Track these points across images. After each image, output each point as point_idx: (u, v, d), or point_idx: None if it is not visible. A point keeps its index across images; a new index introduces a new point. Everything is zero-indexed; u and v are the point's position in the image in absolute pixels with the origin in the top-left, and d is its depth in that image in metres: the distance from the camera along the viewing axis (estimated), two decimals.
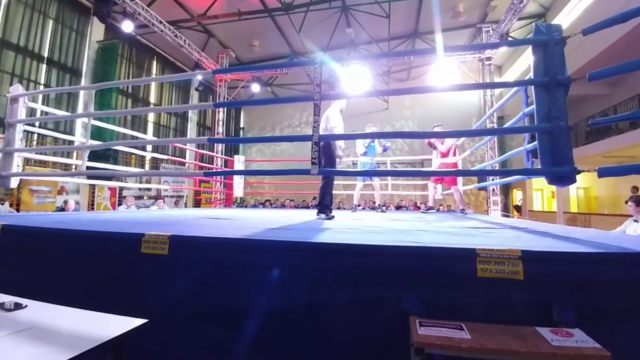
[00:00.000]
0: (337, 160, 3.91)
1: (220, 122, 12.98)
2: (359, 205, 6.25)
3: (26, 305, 1.27)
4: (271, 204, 12.65)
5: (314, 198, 13.54)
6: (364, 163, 5.81)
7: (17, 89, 3.58)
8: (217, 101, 12.47)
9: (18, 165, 3.52)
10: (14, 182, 3.55)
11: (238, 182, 8.29)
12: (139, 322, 1.15)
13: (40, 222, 2.49)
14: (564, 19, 10.31)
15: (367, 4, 9.92)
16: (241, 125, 17.49)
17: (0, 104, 7.13)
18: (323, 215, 3.68)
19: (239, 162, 7.93)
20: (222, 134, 12.94)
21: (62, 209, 6.78)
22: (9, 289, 1.40)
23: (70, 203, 6.62)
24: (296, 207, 10.89)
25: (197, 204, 13.43)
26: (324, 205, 3.78)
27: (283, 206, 11.27)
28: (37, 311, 1.25)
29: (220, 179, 11.04)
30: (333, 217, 3.70)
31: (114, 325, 1.12)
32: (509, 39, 9.75)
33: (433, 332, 1.19)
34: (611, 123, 8.49)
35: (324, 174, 3.24)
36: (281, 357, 1.51)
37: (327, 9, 10.09)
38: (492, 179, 5.27)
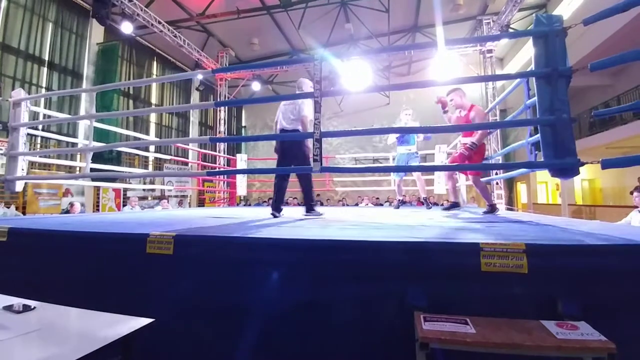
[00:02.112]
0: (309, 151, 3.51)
1: (222, 121, 12.98)
2: (402, 201, 5.55)
3: (34, 307, 1.29)
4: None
5: (318, 195, 13.58)
6: (399, 154, 5.17)
7: (19, 93, 3.59)
8: (218, 100, 12.47)
9: (23, 169, 3.54)
10: (19, 186, 3.57)
11: (241, 180, 8.30)
12: (145, 321, 1.16)
13: (46, 224, 2.52)
14: (565, 9, 10.20)
15: None
16: (243, 124, 17.50)
17: (4, 108, 7.17)
18: (314, 213, 3.56)
19: (241, 161, 7.94)
20: (224, 133, 12.94)
21: (67, 212, 6.83)
22: (17, 291, 1.42)
23: (76, 206, 6.66)
24: (299, 204, 10.88)
25: (201, 203, 13.48)
26: (312, 202, 3.66)
27: (286, 204, 11.28)
28: (45, 312, 1.26)
29: (224, 178, 11.06)
30: (322, 214, 3.56)
31: (121, 324, 1.14)
32: (510, 30, 9.67)
33: (438, 327, 1.20)
34: (615, 114, 8.42)
35: (325, 171, 3.12)
36: (287, 353, 1.52)
37: (325, 5, 10.04)
38: (496, 173, 5.18)
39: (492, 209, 3.80)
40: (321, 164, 2.38)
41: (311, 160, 3.33)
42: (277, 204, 3.65)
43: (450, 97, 3.86)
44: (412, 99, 15.13)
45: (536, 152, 2.62)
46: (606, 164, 1.87)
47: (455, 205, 3.97)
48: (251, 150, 15.89)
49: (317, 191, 12.49)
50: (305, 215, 3.58)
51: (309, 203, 3.67)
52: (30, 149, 5.76)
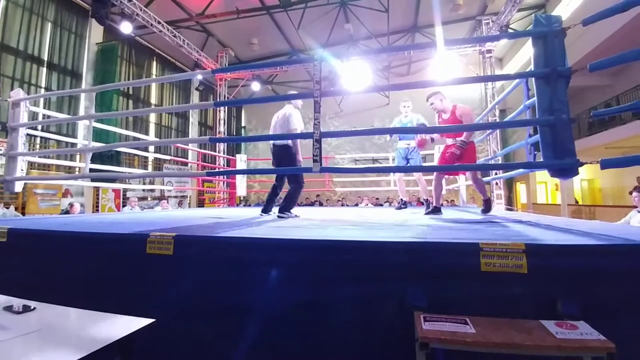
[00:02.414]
0: (299, 164, 3.71)
1: (222, 122, 12.98)
2: (405, 202, 5.13)
3: (34, 308, 1.29)
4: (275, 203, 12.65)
5: (318, 195, 13.58)
6: (398, 150, 5.02)
7: (18, 93, 3.58)
8: (218, 100, 12.47)
9: (22, 169, 3.53)
10: (18, 186, 3.56)
11: (241, 181, 8.30)
12: (146, 321, 1.16)
13: (46, 224, 2.51)
14: (564, 10, 10.22)
15: None
16: (242, 124, 17.50)
17: (2, 109, 7.16)
18: (289, 214, 3.62)
19: (241, 161, 7.93)
20: (224, 133, 12.94)
21: (67, 212, 6.82)
22: (17, 291, 1.42)
23: (76, 206, 6.64)
24: (299, 205, 10.88)
25: (200, 203, 13.47)
26: (289, 207, 3.70)
27: None
28: (45, 313, 1.26)
29: (223, 178, 11.05)
30: (297, 216, 3.65)
31: (121, 325, 1.14)
32: (509, 30, 9.68)
33: (437, 327, 1.20)
34: (614, 114, 8.43)
35: (324, 171, 3.10)
36: (287, 353, 1.52)
37: (325, 5, 10.04)
38: (495, 173, 5.18)
39: (487, 204, 3.78)
40: (321, 164, 2.38)
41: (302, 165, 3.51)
42: (268, 204, 3.94)
43: (430, 100, 3.77)
44: (411, 99, 15.15)
45: (535, 152, 2.62)
46: (605, 164, 1.87)
47: (437, 210, 3.72)
48: (252, 151, 15.90)
49: (316, 191, 12.47)
50: (278, 214, 3.64)
51: (286, 205, 3.70)
52: (29, 150, 5.76)
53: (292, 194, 3.77)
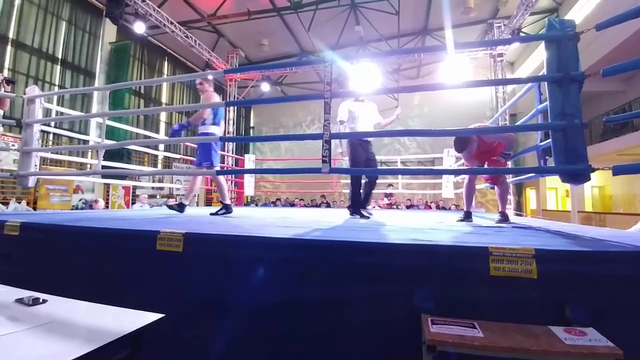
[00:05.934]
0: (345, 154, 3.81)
1: (231, 122, 13.06)
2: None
3: (45, 300, 1.30)
4: (282, 203, 12.71)
5: (322, 196, 13.57)
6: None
7: (33, 90, 3.65)
8: (228, 100, 12.54)
9: (35, 165, 3.60)
10: (31, 182, 3.63)
11: (249, 181, 8.34)
12: (155, 316, 1.17)
13: (58, 219, 2.55)
14: (577, 14, 10.10)
15: (376, 1, 9.87)
16: (251, 125, 17.58)
17: (17, 105, 7.29)
18: (357, 217, 3.51)
19: (249, 161, 7.97)
20: (233, 133, 13.02)
21: (90, 206, 6.95)
22: (28, 284, 1.44)
23: (100, 202, 6.76)
24: (306, 206, 10.90)
25: (208, 202, 13.56)
26: (355, 204, 3.65)
27: (293, 205, 11.31)
28: (56, 306, 1.28)
29: (231, 177, 11.12)
30: (368, 216, 3.50)
31: (131, 319, 1.15)
32: (521, 34, 9.59)
33: (445, 330, 1.19)
34: (628, 119, 8.29)
35: (334, 172, 3.06)
36: (294, 352, 1.53)
37: (335, 7, 10.06)
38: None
39: (504, 216, 3.45)
40: (330, 166, 2.38)
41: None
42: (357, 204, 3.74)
43: (464, 154, 3.46)
44: (421, 102, 15.09)
45: (546, 157, 2.60)
46: (617, 170, 1.85)
47: (469, 215, 3.64)
48: (271, 152, 15.95)
49: (323, 192, 12.46)
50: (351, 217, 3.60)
51: (351, 205, 3.70)
52: (42, 146, 5.85)
53: (352, 191, 3.80)
